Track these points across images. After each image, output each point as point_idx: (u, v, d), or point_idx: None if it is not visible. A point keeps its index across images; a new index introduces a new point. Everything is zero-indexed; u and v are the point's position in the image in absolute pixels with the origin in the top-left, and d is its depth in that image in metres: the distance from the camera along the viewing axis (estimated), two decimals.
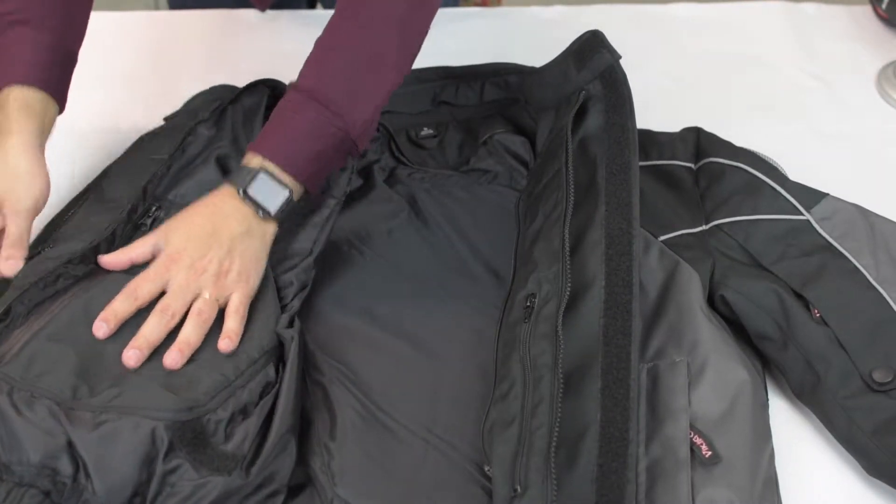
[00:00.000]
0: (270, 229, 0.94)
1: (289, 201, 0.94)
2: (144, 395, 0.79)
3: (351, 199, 1.04)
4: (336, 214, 1.00)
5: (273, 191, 0.93)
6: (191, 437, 0.79)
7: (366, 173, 1.08)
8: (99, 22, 1.06)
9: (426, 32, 1.02)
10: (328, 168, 0.98)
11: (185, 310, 0.87)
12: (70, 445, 0.77)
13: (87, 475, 0.77)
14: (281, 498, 0.82)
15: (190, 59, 1.31)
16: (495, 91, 1.15)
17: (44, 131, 0.97)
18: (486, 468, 0.83)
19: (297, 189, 0.95)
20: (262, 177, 0.93)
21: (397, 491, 0.83)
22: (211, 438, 0.80)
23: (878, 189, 1.09)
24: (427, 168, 1.11)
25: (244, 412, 0.82)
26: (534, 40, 1.34)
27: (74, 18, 1.02)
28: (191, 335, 0.85)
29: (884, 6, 1.35)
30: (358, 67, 0.98)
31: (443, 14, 1.40)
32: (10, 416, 0.77)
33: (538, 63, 1.13)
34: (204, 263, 0.89)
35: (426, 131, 1.14)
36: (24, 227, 0.92)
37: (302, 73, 0.98)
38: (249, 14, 1.38)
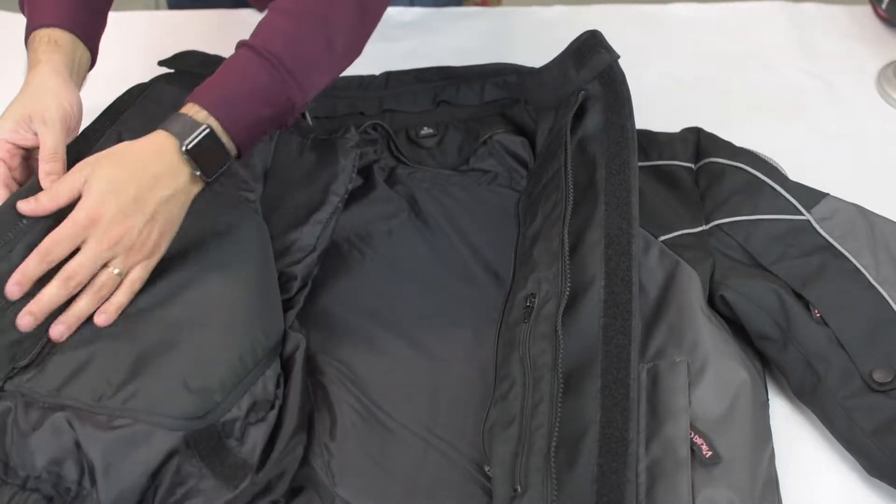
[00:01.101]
0: (194, 191, 0.88)
1: (226, 167, 0.88)
2: (160, 395, 0.78)
3: (351, 199, 1.04)
4: (340, 212, 1.00)
5: (215, 153, 0.87)
6: (206, 443, 0.78)
7: (366, 173, 1.08)
8: None
9: (380, 18, 0.99)
10: (260, 138, 0.92)
11: (89, 279, 0.82)
12: (78, 448, 0.76)
13: (93, 481, 0.76)
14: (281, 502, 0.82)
15: None
16: (496, 91, 1.15)
17: (73, 66, 0.96)
18: (487, 468, 0.83)
19: (233, 154, 0.89)
20: (207, 135, 0.86)
21: (397, 491, 0.83)
22: (226, 440, 0.79)
23: (878, 189, 1.09)
24: (427, 167, 1.11)
25: (256, 410, 0.82)
26: (534, 40, 1.34)
27: None
28: (83, 310, 0.82)
29: (884, 6, 1.35)
30: (317, 38, 0.92)
31: (443, 14, 1.41)
32: (20, 422, 0.77)
33: (538, 63, 1.13)
34: (121, 230, 0.82)
35: (426, 130, 1.14)
36: (59, 139, 0.90)
37: (257, 34, 0.92)
38: (249, 14, 1.38)
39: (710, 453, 0.81)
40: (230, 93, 0.88)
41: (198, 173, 0.86)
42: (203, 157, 0.86)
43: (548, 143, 1.06)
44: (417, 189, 1.07)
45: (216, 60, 1.02)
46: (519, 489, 0.77)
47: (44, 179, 0.87)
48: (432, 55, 1.22)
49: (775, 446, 0.85)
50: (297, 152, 1.04)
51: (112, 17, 1.38)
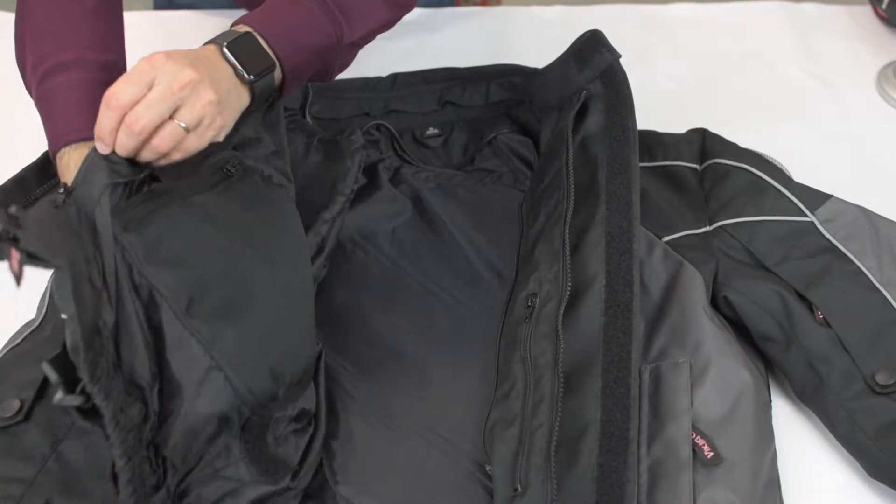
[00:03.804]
0: (245, 99, 0.86)
1: (269, 73, 0.86)
2: (243, 352, 0.79)
3: (355, 199, 1.03)
4: (346, 211, 1.00)
5: (257, 55, 0.86)
6: (253, 430, 0.80)
7: (370, 172, 1.08)
8: None
9: None
10: (309, 70, 0.92)
11: (153, 127, 0.79)
12: (161, 375, 0.77)
13: (164, 417, 0.77)
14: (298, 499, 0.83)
15: None
16: (501, 92, 1.15)
17: None
18: (488, 468, 0.83)
19: (278, 71, 0.88)
20: (247, 38, 0.85)
21: (399, 490, 0.83)
22: (267, 434, 0.81)
23: (877, 189, 1.09)
24: (432, 167, 1.11)
25: (300, 419, 0.83)
26: (534, 40, 1.34)
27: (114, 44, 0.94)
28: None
29: (884, 6, 1.35)
30: None
31: (443, 14, 1.40)
32: (132, 324, 0.78)
33: (538, 63, 1.13)
34: (193, 73, 0.79)
35: (431, 131, 1.14)
36: None
37: None
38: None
39: (711, 454, 0.81)
40: (275, 14, 0.89)
41: (240, 72, 0.84)
42: (243, 55, 0.84)
43: (550, 143, 1.06)
44: (422, 188, 1.07)
45: None
46: (519, 489, 0.78)
47: None
48: (432, 55, 1.22)
49: (777, 447, 0.85)
50: (303, 152, 1.04)
51: None
